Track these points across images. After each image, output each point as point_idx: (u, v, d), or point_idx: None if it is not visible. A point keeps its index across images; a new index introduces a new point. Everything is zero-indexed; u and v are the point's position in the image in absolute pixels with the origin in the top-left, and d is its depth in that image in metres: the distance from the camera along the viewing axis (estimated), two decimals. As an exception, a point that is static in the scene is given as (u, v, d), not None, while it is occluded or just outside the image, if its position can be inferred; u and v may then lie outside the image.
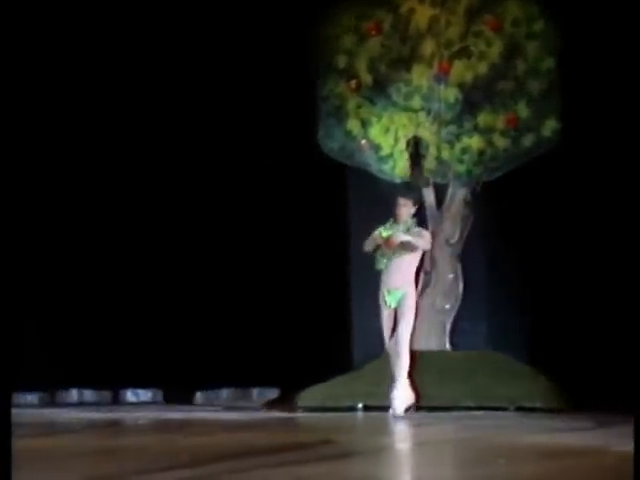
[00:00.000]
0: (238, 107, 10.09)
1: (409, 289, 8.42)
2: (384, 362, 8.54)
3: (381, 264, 8.48)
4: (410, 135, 9.89)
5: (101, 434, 7.60)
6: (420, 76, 9.88)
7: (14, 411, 8.92)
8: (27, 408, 9.33)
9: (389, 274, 8.43)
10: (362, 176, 9.91)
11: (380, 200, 9.33)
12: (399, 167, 9.93)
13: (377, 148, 9.97)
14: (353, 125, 10.04)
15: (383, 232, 8.45)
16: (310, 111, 9.92)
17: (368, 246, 8.50)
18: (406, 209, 8.55)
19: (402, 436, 7.32)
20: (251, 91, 10.09)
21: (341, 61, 10.07)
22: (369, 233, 8.70)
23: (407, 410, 8.35)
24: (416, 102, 9.90)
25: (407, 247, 8.44)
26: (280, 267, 9.93)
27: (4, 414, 3.95)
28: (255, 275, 9.96)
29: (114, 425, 8.19)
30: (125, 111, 9.92)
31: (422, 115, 9.90)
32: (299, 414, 8.89)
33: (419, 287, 9.49)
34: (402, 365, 8.32)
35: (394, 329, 8.36)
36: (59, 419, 8.57)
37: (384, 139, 9.98)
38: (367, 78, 10.02)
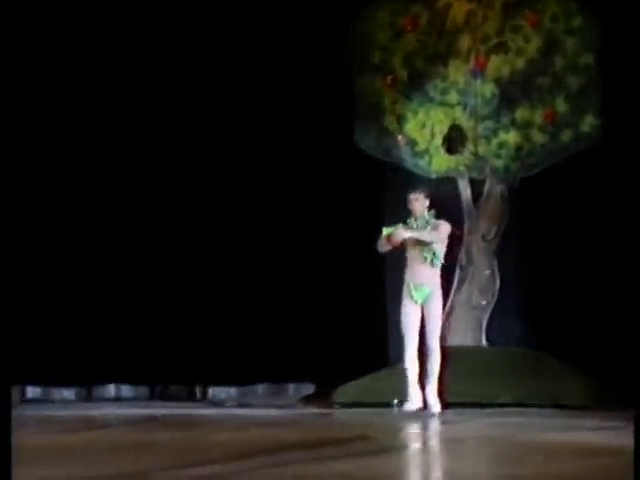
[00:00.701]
0: (274, 105, 10.07)
1: (436, 285, 8.33)
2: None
3: (426, 260, 8.35)
4: (446, 130, 9.86)
5: (137, 429, 7.61)
6: (456, 71, 9.85)
7: (52, 406, 9.08)
8: (63, 404, 9.39)
9: (414, 268, 8.32)
10: (398, 172, 9.87)
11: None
12: (435, 162, 9.90)
13: (413, 144, 9.94)
14: (389, 121, 10.03)
15: (386, 230, 8.33)
16: (346, 108, 9.89)
17: (381, 247, 8.40)
18: (418, 203, 8.41)
19: (437, 432, 7.29)
20: (287, 88, 10.07)
21: (377, 57, 10.06)
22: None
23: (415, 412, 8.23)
24: (452, 97, 9.87)
25: (421, 242, 8.32)
26: (317, 264, 9.92)
27: (4, 412, 3.96)
28: (293, 271, 9.96)
29: (150, 420, 8.21)
30: (147, 111, 9.90)
31: (458, 110, 9.86)
32: (335, 410, 8.87)
33: (454, 283, 9.47)
34: (436, 363, 8.28)
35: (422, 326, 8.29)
36: (96, 414, 8.60)
37: (420, 134, 9.96)
38: (403, 74, 10.01)
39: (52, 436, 7.05)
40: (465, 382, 8.68)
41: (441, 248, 8.39)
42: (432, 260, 8.32)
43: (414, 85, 9.97)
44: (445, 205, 9.48)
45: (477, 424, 7.63)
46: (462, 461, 5.70)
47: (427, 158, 9.93)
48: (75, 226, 9.75)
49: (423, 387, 8.31)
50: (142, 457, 6.01)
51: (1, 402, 3.94)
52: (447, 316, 9.68)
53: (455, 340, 9.09)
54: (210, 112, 10.07)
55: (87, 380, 9.77)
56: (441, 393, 8.36)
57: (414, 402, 8.29)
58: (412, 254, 8.34)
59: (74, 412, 8.76)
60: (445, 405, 8.34)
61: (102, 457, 6.05)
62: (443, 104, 9.89)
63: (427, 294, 8.27)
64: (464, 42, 9.83)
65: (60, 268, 9.67)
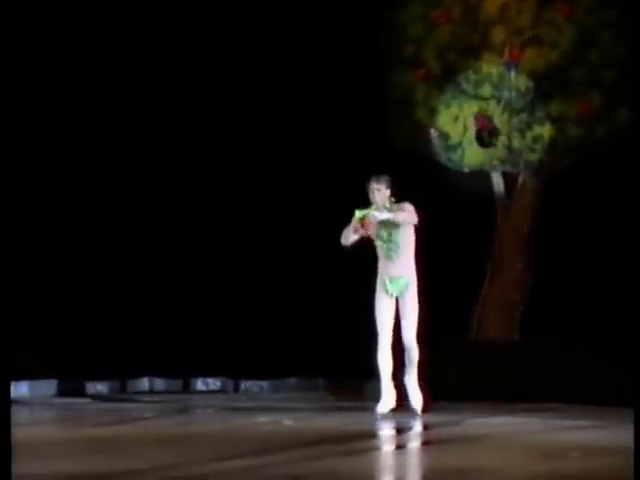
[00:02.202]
0: (305, 98, 10.02)
1: (412, 277, 7.84)
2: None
3: (393, 254, 7.83)
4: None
5: (171, 422, 7.62)
6: (490, 64, 9.79)
7: (87, 400, 9.10)
8: (98, 397, 9.41)
9: (388, 261, 7.84)
10: (430, 165, 9.83)
11: (448, 189, 9.29)
12: (468, 156, 9.85)
13: (445, 137, 9.89)
14: (421, 114, 9.97)
15: (358, 213, 7.78)
16: (378, 101, 9.85)
17: (346, 238, 7.89)
18: (380, 194, 7.89)
19: (472, 427, 7.23)
20: (319, 81, 10.02)
21: (409, 50, 9.99)
22: (435, 221, 8.52)
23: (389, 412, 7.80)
24: (486, 90, 9.81)
25: (392, 226, 7.82)
26: (348, 257, 9.88)
27: (4, 410, 3.96)
28: (321, 265, 9.94)
29: (184, 413, 8.22)
30: (166, 110, 9.85)
31: (492, 103, 9.80)
32: (368, 403, 8.83)
33: (487, 276, 9.40)
34: (415, 358, 7.79)
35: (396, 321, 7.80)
36: (130, 407, 8.61)
37: (453, 128, 9.90)
38: (436, 66, 9.95)
39: (86, 429, 7.09)
40: (498, 378, 8.63)
41: (409, 234, 7.86)
42: (395, 253, 7.82)
43: (447, 78, 9.90)
44: (477, 199, 9.46)
45: (511, 420, 7.55)
46: (499, 456, 5.67)
47: (460, 152, 9.87)
48: (98, 225, 9.68)
49: (397, 386, 7.86)
50: (178, 450, 6.02)
51: (1, 401, 3.93)
52: (478, 310, 9.65)
53: (486, 335, 9.03)
54: (235, 107, 10.01)
55: (121, 374, 9.77)
56: (423, 392, 7.87)
57: (387, 403, 7.84)
58: (380, 248, 7.90)
59: (108, 405, 8.78)
60: (427, 405, 7.86)
61: (138, 450, 6.07)
62: (476, 97, 9.83)
63: (403, 286, 7.80)
64: (498, 35, 9.77)
65: (93, 264, 9.67)
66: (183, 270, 9.89)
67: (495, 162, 9.82)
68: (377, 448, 6.39)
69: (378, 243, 7.90)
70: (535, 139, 9.67)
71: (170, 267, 9.88)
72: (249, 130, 10.04)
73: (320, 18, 9.97)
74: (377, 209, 7.86)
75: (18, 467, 5.23)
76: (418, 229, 7.91)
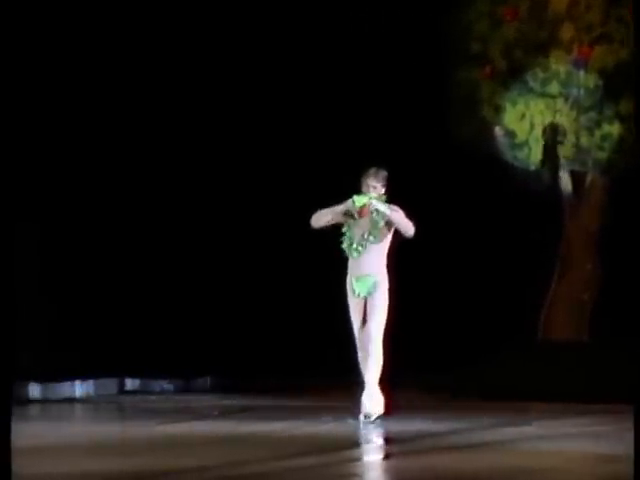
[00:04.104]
0: (368, 96, 9.97)
1: (381, 277, 7.27)
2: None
3: (354, 253, 7.29)
4: (547, 122, 9.68)
5: (235, 420, 7.57)
6: (558, 61, 9.65)
7: (151, 398, 9.10)
8: (162, 395, 9.39)
9: (358, 260, 7.27)
10: (494, 164, 9.72)
11: (513, 188, 9.20)
12: (534, 154, 9.73)
13: (511, 135, 9.78)
14: (486, 112, 9.86)
15: (358, 199, 7.25)
16: (441, 98, 9.75)
17: (318, 220, 7.33)
18: (375, 191, 7.34)
19: (541, 428, 7.12)
20: (382, 78, 9.98)
21: (474, 47, 9.89)
22: (501, 221, 8.46)
23: (376, 419, 7.21)
24: (554, 88, 9.67)
25: (374, 223, 7.27)
26: (418, 256, 9.83)
27: (4, 407, 3.95)
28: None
29: (246, 411, 8.18)
30: (187, 109, 9.77)
31: (560, 101, 9.66)
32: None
33: (555, 275, 9.27)
34: (373, 366, 7.20)
35: (364, 321, 7.28)
36: (194, 405, 8.59)
37: (519, 126, 9.79)
38: (502, 64, 9.84)
39: (151, 428, 7.07)
40: (566, 378, 8.50)
41: (385, 234, 7.32)
42: (355, 251, 7.27)
43: (513, 76, 9.79)
44: (544, 197, 9.34)
45: (579, 421, 7.40)
46: (559, 458, 5.55)
47: (526, 150, 9.76)
48: (123, 225, 9.59)
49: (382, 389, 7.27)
50: (240, 449, 6.00)
51: (2, 399, 3.92)
52: (547, 310, 9.53)
53: (555, 335, 8.91)
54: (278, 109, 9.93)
55: (185, 372, 9.77)
56: (386, 394, 7.29)
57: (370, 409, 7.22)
58: (347, 243, 7.33)
59: (173, 403, 8.77)
60: (388, 408, 7.29)
61: (200, 448, 6.06)
62: (544, 95, 9.71)
63: (371, 285, 7.23)
64: (566, 32, 9.62)
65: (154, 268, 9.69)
66: (230, 275, 9.81)
67: (563, 161, 9.69)
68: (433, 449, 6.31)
69: (344, 241, 7.33)
70: (604, 137, 9.51)
71: (224, 273, 9.79)
72: (265, 129, 9.96)
73: (385, 14, 9.92)
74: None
75: (80, 464, 5.37)
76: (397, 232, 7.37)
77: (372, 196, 7.30)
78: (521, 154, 9.77)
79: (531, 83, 9.74)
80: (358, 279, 7.27)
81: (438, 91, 9.73)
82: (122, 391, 9.45)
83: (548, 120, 9.67)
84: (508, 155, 9.78)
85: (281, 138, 9.98)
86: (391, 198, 7.43)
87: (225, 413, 7.95)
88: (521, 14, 9.85)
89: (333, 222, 7.36)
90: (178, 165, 9.59)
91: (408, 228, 7.34)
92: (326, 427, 7.06)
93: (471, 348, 9.38)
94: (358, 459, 5.93)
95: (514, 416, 7.55)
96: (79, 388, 9.14)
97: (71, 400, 8.92)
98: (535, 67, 9.72)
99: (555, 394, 8.35)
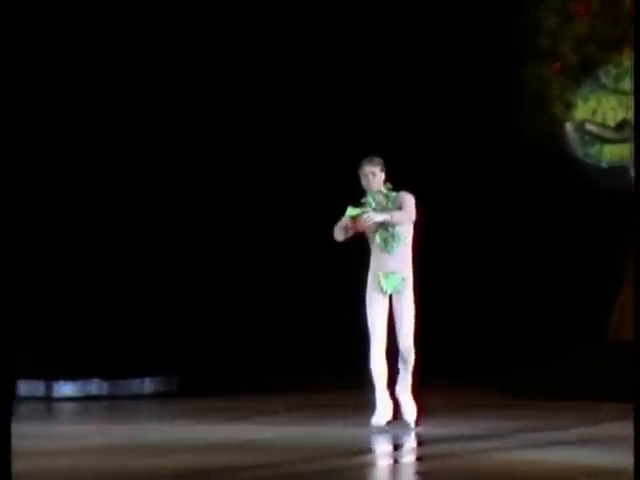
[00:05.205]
0: (436, 94, 9.87)
1: (407, 273, 6.94)
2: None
3: (392, 248, 6.90)
4: (619, 118, 9.43)
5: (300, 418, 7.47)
6: (631, 58, 9.37)
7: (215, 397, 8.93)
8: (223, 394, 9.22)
9: (383, 256, 6.92)
10: (565, 161, 9.49)
11: (584, 186, 8.96)
12: (607, 151, 9.48)
13: (583, 132, 9.53)
14: (557, 108, 9.64)
15: (350, 211, 6.88)
16: (510, 95, 9.56)
17: (339, 234, 6.97)
18: (375, 178, 6.96)
19: (611, 428, 6.86)
20: (450, 75, 9.89)
21: (545, 43, 9.69)
22: (569, 221, 8.18)
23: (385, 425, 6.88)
24: (627, 84, 9.43)
25: (389, 224, 6.91)
26: (491, 254, 9.67)
27: (4, 406, 3.83)
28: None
29: (316, 409, 7.98)
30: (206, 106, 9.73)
31: (632, 98, 9.37)
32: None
33: (625, 274, 8.93)
34: (411, 363, 6.91)
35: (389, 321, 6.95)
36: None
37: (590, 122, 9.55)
38: (572, 60, 9.64)
39: (212, 426, 7.00)
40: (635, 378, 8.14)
41: (407, 228, 6.98)
42: (392, 245, 6.93)
43: (585, 72, 9.58)
44: (617, 195, 9.05)
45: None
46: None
47: (598, 146, 9.51)
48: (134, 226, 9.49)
49: (392, 394, 6.98)
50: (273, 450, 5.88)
51: (3, 396, 3.79)
52: (617, 311, 9.24)
53: (625, 335, 8.59)
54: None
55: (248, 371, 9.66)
56: (417, 401, 6.99)
57: (382, 415, 6.91)
58: (374, 239, 6.99)
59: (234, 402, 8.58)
60: (419, 416, 6.96)
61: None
62: (616, 91, 9.50)
63: (398, 282, 6.91)
64: None
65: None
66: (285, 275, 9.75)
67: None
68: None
69: (374, 235, 6.95)
70: (677, 134, 9.19)
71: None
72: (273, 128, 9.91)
73: (453, 8, 9.78)
74: (373, 196, 6.96)
75: (130, 461, 5.38)
76: (417, 225, 6.99)
77: (365, 210, 6.87)
78: (593, 151, 9.55)
79: (603, 79, 9.54)
80: (386, 275, 6.92)
81: (507, 88, 9.55)
82: (180, 390, 9.25)
83: (620, 117, 9.45)
84: (579, 152, 9.56)
85: (296, 136, 9.91)
86: (405, 186, 6.98)
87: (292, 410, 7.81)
88: (593, 9, 9.64)
89: (352, 234, 6.98)
90: (177, 161, 9.46)
91: (411, 218, 6.92)
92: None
93: (540, 348, 9.16)
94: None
95: (583, 416, 7.38)
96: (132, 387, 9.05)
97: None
98: (607, 63, 9.53)
99: (624, 395, 7.99)
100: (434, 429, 6.78)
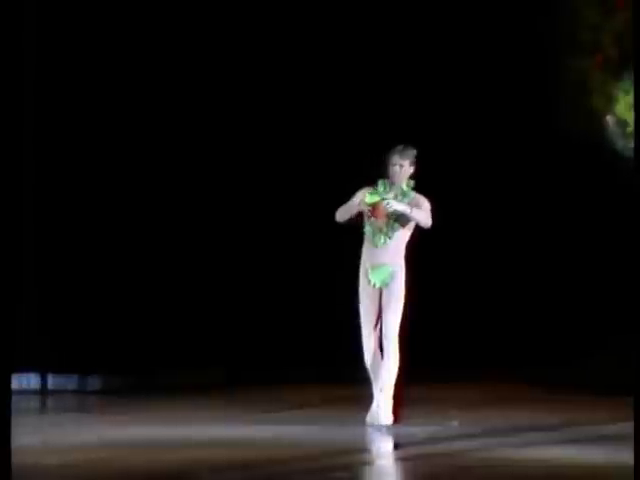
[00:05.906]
0: (474, 87, 9.86)
1: (398, 267, 6.79)
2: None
3: (380, 241, 6.82)
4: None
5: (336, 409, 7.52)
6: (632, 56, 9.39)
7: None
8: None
9: (374, 248, 6.81)
10: (604, 154, 9.53)
11: (624, 178, 8.98)
12: (647, 144, 9.46)
13: (623, 125, 9.55)
14: (597, 101, 9.66)
15: (369, 197, 6.74)
16: (550, 88, 9.59)
17: (343, 215, 6.84)
18: (402, 170, 6.79)
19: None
20: (489, 68, 9.84)
21: (585, 36, 9.71)
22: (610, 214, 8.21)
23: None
24: (667, 78, 9.38)
25: (400, 220, 6.79)
26: (533, 246, 9.72)
27: (4, 405, 4.01)
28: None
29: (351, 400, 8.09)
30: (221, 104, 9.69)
31: (674, 90, 9.37)
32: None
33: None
34: (391, 364, 6.76)
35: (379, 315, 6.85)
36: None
37: (631, 115, 9.54)
38: (613, 53, 9.62)
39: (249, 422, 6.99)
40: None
41: (409, 227, 6.84)
42: (381, 239, 6.79)
43: (625, 65, 9.56)
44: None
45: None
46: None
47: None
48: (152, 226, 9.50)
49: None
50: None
51: (1, 392, 3.99)
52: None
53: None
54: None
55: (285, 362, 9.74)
56: (397, 400, 6.81)
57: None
58: (372, 229, 6.85)
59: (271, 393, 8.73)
60: (397, 416, 6.80)
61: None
62: (656, 85, 9.43)
63: (387, 275, 6.77)
64: (681, 19, 9.33)
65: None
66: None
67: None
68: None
69: (367, 227, 6.85)
70: None
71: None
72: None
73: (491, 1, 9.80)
74: (393, 192, 6.80)
75: (146, 456, 5.46)
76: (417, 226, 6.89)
77: (386, 197, 6.75)
78: (632, 144, 9.54)
79: (643, 72, 9.49)
80: (374, 268, 6.82)
81: (547, 81, 9.59)
82: (228, 382, 9.38)
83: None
84: (619, 145, 9.58)
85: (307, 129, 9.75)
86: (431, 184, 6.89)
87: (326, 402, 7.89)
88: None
89: (355, 217, 6.88)
90: (180, 159, 9.48)
91: (427, 224, 6.83)
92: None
93: (574, 343, 9.22)
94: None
95: (618, 413, 7.29)
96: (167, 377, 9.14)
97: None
98: (648, 56, 9.46)
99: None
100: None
